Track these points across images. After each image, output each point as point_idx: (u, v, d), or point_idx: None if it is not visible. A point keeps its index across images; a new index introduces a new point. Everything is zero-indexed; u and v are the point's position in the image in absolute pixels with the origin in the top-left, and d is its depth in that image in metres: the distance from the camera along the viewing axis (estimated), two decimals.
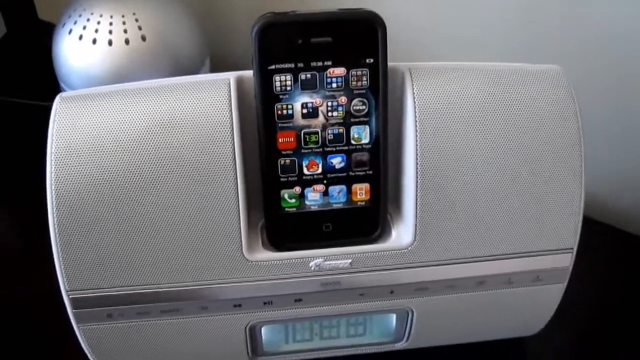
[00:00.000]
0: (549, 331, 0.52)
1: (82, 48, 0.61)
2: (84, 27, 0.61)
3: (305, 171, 0.43)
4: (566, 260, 0.47)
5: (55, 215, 0.41)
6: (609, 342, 0.57)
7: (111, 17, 0.61)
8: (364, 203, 0.44)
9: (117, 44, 0.61)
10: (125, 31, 0.61)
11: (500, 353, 0.55)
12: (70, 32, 0.62)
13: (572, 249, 0.47)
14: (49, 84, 0.68)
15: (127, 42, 0.61)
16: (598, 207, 0.68)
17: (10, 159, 0.73)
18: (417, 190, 0.43)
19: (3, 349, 0.56)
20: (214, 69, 0.70)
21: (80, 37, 0.61)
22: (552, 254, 0.47)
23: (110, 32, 0.61)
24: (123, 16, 0.61)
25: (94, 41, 0.61)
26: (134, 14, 0.62)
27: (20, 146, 0.74)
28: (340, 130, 0.42)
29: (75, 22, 0.62)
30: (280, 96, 0.41)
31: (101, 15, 0.61)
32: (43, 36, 0.74)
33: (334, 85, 0.41)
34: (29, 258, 0.63)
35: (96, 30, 0.61)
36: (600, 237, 0.64)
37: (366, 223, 0.45)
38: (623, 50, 0.64)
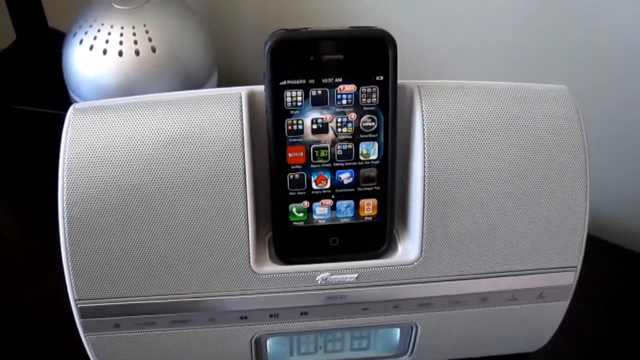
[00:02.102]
0: (551, 347, 0.53)
1: (92, 58, 0.62)
2: (95, 38, 0.62)
3: (314, 186, 0.44)
4: (570, 278, 0.48)
5: (65, 225, 0.42)
6: (610, 358, 0.57)
7: (122, 28, 0.62)
8: (371, 218, 0.45)
9: (127, 54, 0.62)
10: (135, 42, 0.62)
11: None
12: (81, 42, 0.63)
13: (576, 267, 0.47)
14: (57, 92, 0.69)
15: (137, 53, 0.62)
16: (602, 225, 0.68)
17: (19, 166, 0.73)
18: (423, 207, 0.44)
19: (10, 354, 0.56)
20: (221, 80, 0.71)
21: (91, 48, 0.62)
22: (556, 271, 0.47)
23: (121, 43, 0.62)
24: (133, 27, 0.62)
25: (105, 52, 0.62)
26: (144, 25, 0.62)
27: (29, 153, 0.74)
28: (349, 146, 0.43)
29: (86, 33, 0.63)
30: (291, 111, 0.42)
31: (112, 26, 0.62)
32: (52, 44, 0.75)
33: (344, 101, 0.42)
34: (38, 266, 0.63)
35: (107, 41, 0.62)
36: (603, 255, 0.64)
37: (373, 238, 0.45)
38: (629, 69, 0.64)
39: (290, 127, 0.42)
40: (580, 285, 0.48)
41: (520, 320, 0.49)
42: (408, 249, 0.46)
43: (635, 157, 0.68)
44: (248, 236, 0.43)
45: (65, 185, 0.41)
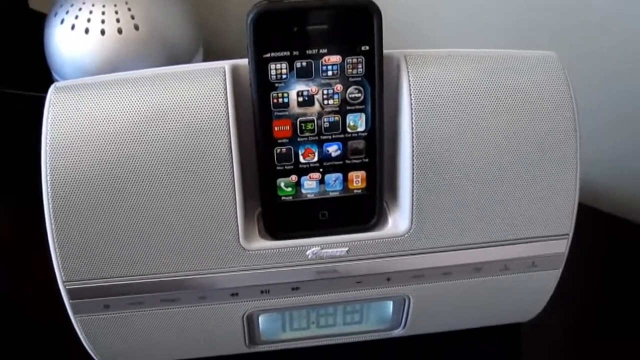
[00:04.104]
0: (543, 316, 0.53)
1: (74, 38, 0.61)
2: (76, 17, 0.61)
3: (302, 159, 0.43)
4: (561, 246, 0.47)
5: (50, 206, 0.41)
6: (603, 326, 0.57)
7: (103, 6, 0.61)
8: (360, 191, 0.44)
9: (109, 33, 0.61)
10: (117, 20, 0.61)
11: (496, 336, 0.55)
12: (62, 21, 0.62)
13: (568, 235, 0.47)
14: (39, 73, 0.68)
15: (119, 31, 0.61)
16: (592, 193, 0.68)
17: (1, 149, 0.73)
18: (413, 178, 0.43)
19: (1, 340, 0.56)
20: (207, 57, 0.70)
21: (73, 27, 0.61)
22: (548, 240, 0.47)
23: (103, 21, 0.61)
24: (115, 5, 0.61)
25: (87, 31, 0.61)
26: (126, 3, 0.61)
27: (11, 137, 0.73)
28: (336, 118, 0.42)
29: (67, 12, 0.62)
30: (276, 84, 0.41)
31: (93, 5, 0.61)
32: (33, 25, 0.74)
33: (330, 73, 0.41)
34: (26, 249, 0.63)
35: (88, 20, 0.61)
36: (594, 223, 0.64)
37: (362, 211, 0.45)
38: (620, 35, 0.64)
39: (275, 101, 0.41)
40: (571, 254, 0.48)
41: (513, 290, 0.49)
42: (398, 221, 0.45)
43: (626, 125, 0.68)
44: (236, 212, 0.42)
45: (48, 165, 0.41)
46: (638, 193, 0.70)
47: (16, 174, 0.69)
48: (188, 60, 0.66)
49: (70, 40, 0.61)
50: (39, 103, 0.42)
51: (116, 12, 0.61)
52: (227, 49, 0.82)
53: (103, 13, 0.61)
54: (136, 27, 0.61)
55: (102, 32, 0.61)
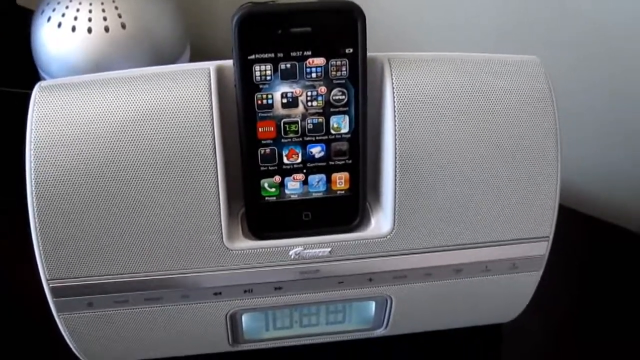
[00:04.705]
0: (524, 317, 0.53)
1: (61, 36, 0.61)
2: (63, 15, 0.61)
3: (285, 160, 0.43)
4: (542, 249, 0.48)
5: (34, 204, 0.41)
6: (583, 328, 0.58)
7: (90, 4, 0.61)
8: (343, 192, 0.45)
9: (96, 31, 0.61)
10: (104, 19, 0.61)
11: (477, 337, 0.56)
12: (49, 19, 0.62)
13: (548, 237, 0.48)
14: (26, 71, 0.68)
15: (106, 29, 0.61)
16: (573, 196, 0.69)
17: None
18: (395, 179, 0.44)
19: None
20: (194, 57, 0.70)
21: (59, 25, 0.61)
22: (529, 242, 0.47)
23: (90, 19, 0.61)
24: (102, 4, 0.61)
25: (73, 29, 0.61)
26: (113, 1, 0.61)
27: None
28: (320, 119, 0.43)
29: (54, 10, 0.62)
30: (260, 86, 0.41)
31: (80, 3, 0.61)
32: (21, 22, 0.73)
33: (314, 75, 0.42)
34: (10, 247, 0.62)
35: (75, 18, 0.61)
36: (575, 225, 0.65)
37: (345, 212, 0.45)
38: (609, 42, 0.64)
39: (259, 102, 0.42)
40: (552, 256, 0.49)
41: (494, 292, 0.50)
42: (381, 222, 0.46)
43: (608, 128, 0.69)
44: (220, 212, 0.43)
45: (32, 164, 0.41)
46: (619, 195, 0.71)
47: (3, 171, 0.69)
48: (175, 59, 0.66)
49: (57, 38, 0.61)
50: (26, 100, 0.42)
51: (103, 11, 0.61)
52: (214, 48, 0.82)
53: (90, 11, 0.61)
54: (123, 26, 0.61)
55: (89, 30, 0.61)
